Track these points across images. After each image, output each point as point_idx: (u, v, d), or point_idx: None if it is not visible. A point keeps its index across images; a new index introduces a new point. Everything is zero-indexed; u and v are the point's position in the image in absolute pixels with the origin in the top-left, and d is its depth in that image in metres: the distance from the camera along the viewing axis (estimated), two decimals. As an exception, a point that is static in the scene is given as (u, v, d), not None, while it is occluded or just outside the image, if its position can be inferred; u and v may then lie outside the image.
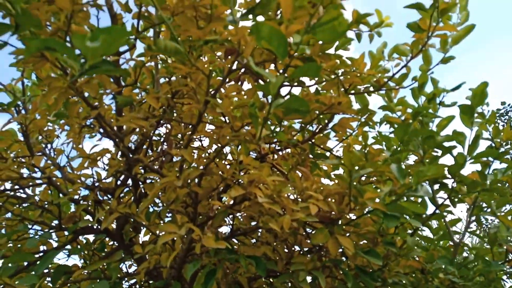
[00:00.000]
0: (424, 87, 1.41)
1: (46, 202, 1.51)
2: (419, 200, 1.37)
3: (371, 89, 1.53)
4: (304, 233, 1.33)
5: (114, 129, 1.08)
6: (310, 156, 1.57)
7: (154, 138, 1.48)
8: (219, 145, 1.06)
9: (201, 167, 1.22)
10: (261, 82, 1.37)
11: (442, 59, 1.41)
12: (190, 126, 1.30)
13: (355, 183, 1.11)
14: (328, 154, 1.60)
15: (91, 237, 1.62)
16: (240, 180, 1.00)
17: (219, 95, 1.07)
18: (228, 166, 1.48)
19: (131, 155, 1.12)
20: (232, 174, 1.02)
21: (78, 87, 0.88)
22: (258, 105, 0.82)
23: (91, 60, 0.67)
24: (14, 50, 0.86)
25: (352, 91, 1.52)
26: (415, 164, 1.49)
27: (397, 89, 1.49)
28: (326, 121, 1.52)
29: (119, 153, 1.33)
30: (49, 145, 1.52)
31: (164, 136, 1.49)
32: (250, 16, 1.04)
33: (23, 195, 1.50)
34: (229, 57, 1.00)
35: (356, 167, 1.11)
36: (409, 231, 1.39)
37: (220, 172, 1.04)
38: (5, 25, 0.82)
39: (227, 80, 1.08)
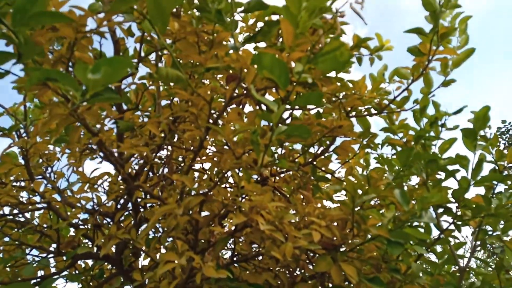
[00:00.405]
0: (425, 110, 1.41)
1: (45, 226, 1.49)
2: (423, 224, 1.35)
3: (373, 111, 1.53)
4: (306, 259, 1.31)
5: (114, 155, 1.08)
6: (312, 178, 1.56)
7: (156, 160, 1.48)
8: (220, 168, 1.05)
9: (202, 192, 1.21)
10: (263, 105, 1.37)
11: (443, 82, 1.41)
12: (192, 148, 1.29)
13: (358, 208, 1.10)
14: (329, 176, 1.59)
15: (89, 261, 1.60)
16: (241, 207, 0.99)
17: (220, 119, 1.07)
18: (229, 189, 1.47)
19: (132, 181, 1.11)
20: (233, 200, 1.01)
21: (80, 114, 0.88)
22: (260, 132, 0.82)
23: (92, 90, 0.67)
24: (16, 78, 0.86)
25: (354, 112, 1.52)
26: (418, 187, 1.48)
27: (398, 112, 1.49)
28: (328, 143, 1.52)
29: (120, 176, 1.32)
30: (49, 168, 1.51)
31: (165, 158, 1.49)
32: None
33: (22, 219, 1.48)
34: (231, 83, 1.00)
35: (360, 191, 1.09)
36: (414, 253, 1.36)
37: (221, 198, 1.02)
38: (7, 53, 0.83)
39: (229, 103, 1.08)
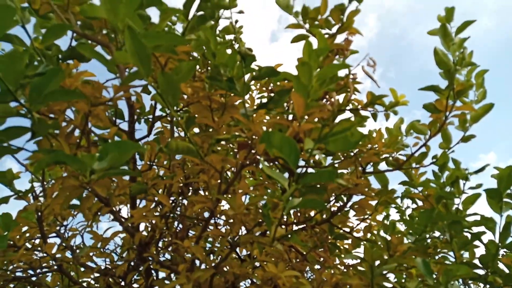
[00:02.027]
0: (445, 167, 1.36)
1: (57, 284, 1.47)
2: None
3: (390, 164, 1.49)
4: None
5: (126, 224, 1.06)
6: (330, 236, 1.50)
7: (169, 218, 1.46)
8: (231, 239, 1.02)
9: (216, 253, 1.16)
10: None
11: (462, 137, 1.37)
12: (204, 206, 1.27)
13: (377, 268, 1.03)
14: (347, 231, 1.53)
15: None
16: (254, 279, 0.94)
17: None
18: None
19: (142, 250, 1.09)
20: (246, 272, 0.97)
21: (90, 185, 0.88)
22: (271, 206, 0.79)
23: (99, 172, 0.66)
24: (29, 155, 0.87)
25: (371, 164, 1.48)
26: (442, 242, 1.40)
27: (417, 168, 1.44)
28: (345, 200, 1.47)
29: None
30: (63, 226, 1.51)
31: (178, 217, 1.47)
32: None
33: (34, 278, 1.47)
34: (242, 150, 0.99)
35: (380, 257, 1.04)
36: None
37: (232, 271, 0.99)
38: (21, 128, 0.84)
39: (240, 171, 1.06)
